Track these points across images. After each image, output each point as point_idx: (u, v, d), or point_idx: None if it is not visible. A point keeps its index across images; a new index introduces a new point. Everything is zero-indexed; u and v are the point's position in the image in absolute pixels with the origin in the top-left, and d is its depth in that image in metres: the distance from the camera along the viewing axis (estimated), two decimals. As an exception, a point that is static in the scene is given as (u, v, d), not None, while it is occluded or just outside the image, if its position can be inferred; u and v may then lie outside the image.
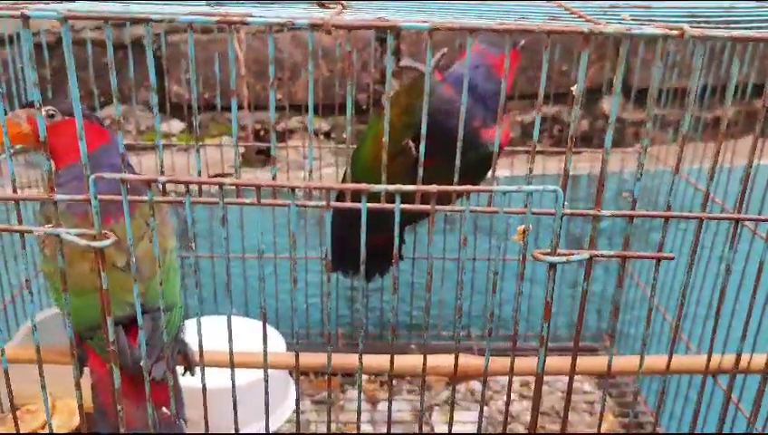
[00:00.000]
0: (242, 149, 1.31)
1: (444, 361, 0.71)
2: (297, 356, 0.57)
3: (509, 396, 0.60)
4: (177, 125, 1.31)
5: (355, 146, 1.08)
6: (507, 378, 0.57)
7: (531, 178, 0.51)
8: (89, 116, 0.72)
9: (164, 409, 0.64)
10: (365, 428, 1.04)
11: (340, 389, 1.14)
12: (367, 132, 0.92)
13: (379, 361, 0.71)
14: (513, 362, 0.57)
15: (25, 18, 0.44)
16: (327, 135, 1.35)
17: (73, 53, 0.45)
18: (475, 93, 0.75)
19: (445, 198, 0.50)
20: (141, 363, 0.57)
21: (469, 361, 0.72)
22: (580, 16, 0.64)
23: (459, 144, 0.51)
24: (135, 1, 0.60)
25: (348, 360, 0.71)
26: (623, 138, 1.34)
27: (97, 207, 0.47)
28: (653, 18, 0.64)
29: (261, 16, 0.45)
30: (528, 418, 1.09)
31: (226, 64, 1.20)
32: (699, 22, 0.63)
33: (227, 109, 1.27)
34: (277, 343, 1.02)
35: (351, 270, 1.04)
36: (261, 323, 1.07)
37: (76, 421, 0.97)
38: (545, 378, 0.57)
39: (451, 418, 0.60)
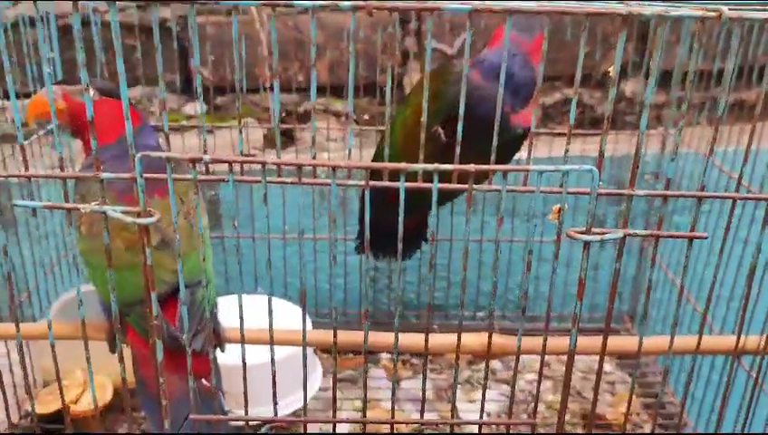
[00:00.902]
0: (264, 131, 1.32)
1: (475, 339, 0.72)
2: (335, 334, 0.58)
3: (540, 375, 0.61)
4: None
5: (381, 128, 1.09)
6: (529, 357, 0.59)
7: (567, 158, 0.51)
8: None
9: (203, 380, 0.65)
10: (388, 405, 1.06)
11: (365, 367, 1.15)
12: (395, 118, 0.93)
13: (412, 339, 0.72)
14: (545, 342, 0.58)
15: (75, 0, 0.45)
16: (348, 116, 1.36)
17: (99, 35, 0.46)
18: (508, 81, 0.75)
19: (478, 178, 0.50)
20: (183, 337, 0.59)
21: (500, 340, 0.73)
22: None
23: (496, 127, 0.52)
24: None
25: (382, 338, 0.72)
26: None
27: (142, 185, 0.48)
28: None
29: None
30: (550, 397, 1.11)
31: (250, 46, 1.21)
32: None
33: (251, 91, 1.28)
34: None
35: (381, 252, 1.05)
36: (286, 302, 1.08)
37: (108, 396, 0.99)
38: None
39: (483, 397, 0.61)
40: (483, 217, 1.22)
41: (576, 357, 0.59)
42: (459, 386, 1.15)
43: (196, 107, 1.33)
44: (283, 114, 1.32)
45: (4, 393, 0.64)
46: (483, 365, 1.18)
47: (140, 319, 0.68)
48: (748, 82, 1.24)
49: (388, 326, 0.68)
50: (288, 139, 1.34)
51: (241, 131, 0.54)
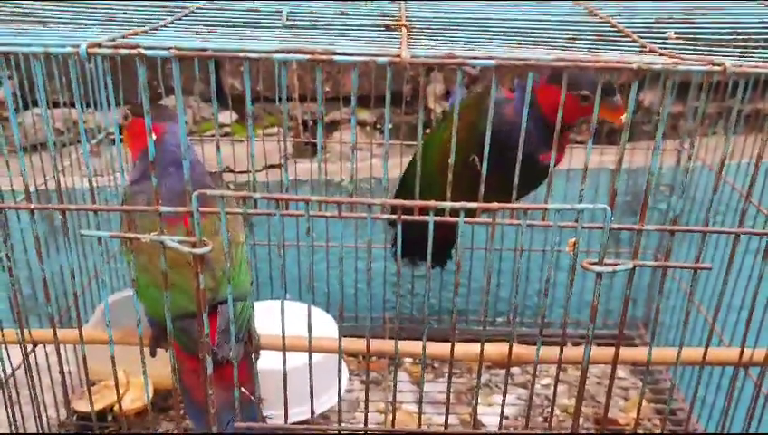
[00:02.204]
0: (291, 142, 1.38)
1: (495, 349, 0.76)
2: (368, 342, 0.63)
3: (556, 384, 0.66)
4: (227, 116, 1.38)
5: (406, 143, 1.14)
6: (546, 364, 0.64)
7: (582, 196, 0.56)
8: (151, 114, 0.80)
9: (243, 389, 0.71)
10: (410, 408, 1.11)
11: (387, 370, 1.21)
12: (433, 136, 0.96)
13: (436, 348, 0.77)
14: (561, 354, 0.63)
15: (142, 57, 0.50)
16: (374, 126, 1.41)
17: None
18: (539, 122, 0.79)
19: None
20: (225, 351, 0.65)
21: (518, 350, 0.77)
22: (626, 35, 0.69)
23: (518, 163, 0.57)
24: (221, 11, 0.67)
25: (408, 347, 0.77)
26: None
27: (198, 219, 0.54)
28: (698, 37, 0.68)
29: (345, 54, 0.50)
30: (565, 401, 1.16)
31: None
32: (743, 42, 0.67)
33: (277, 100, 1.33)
34: (332, 327, 1.09)
35: (417, 258, 1.10)
36: (313, 307, 1.13)
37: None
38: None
39: (503, 403, 0.67)
40: (502, 227, 1.26)
41: (590, 364, 0.65)
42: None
43: (227, 116, 1.39)
44: (310, 123, 1.37)
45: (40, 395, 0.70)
46: (501, 370, 1.23)
47: (181, 333, 0.74)
48: (764, 91, 1.27)
49: (410, 331, 0.73)
50: (315, 147, 1.39)
51: (286, 169, 0.59)
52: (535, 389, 1.19)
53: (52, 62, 1.01)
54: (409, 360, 1.24)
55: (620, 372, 1.24)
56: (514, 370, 1.23)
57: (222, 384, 0.71)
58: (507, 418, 1.11)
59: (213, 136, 1.34)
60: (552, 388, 1.08)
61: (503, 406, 0.69)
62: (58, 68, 1.02)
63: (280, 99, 1.18)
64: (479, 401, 1.17)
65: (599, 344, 0.79)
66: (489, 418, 1.10)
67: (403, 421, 1.04)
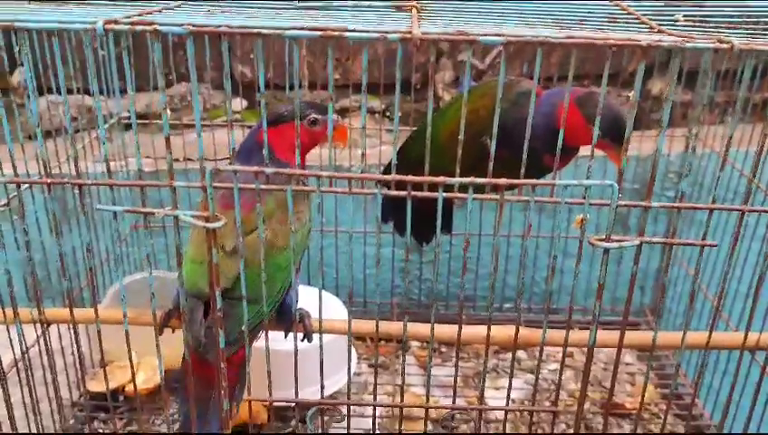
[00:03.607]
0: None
1: (503, 332, 0.77)
2: (377, 325, 0.64)
3: (562, 367, 0.67)
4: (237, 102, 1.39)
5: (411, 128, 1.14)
6: (553, 347, 0.64)
7: (590, 174, 0.56)
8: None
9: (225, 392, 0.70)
10: (418, 390, 1.12)
11: (395, 354, 1.22)
12: (447, 110, 0.93)
13: (444, 331, 0.77)
14: (567, 337, 0.64)
15: (156, 33, 0.51)
16: (383, 114, 1.41)
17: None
18: (550, 128, 0.78)
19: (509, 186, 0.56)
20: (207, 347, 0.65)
21: (525, 332, 0.78)
22: (636, 18, 0.69)
23: (524, 160, 0.58)
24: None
25: (416, 329, 0.78)
26: (670, 118, 1.38)
27: (212, 194, 0.55)
28: (706, 19, 0.69)
29: (357, 30, 0.51)
30: (572, 386, 1.16)
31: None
32: (753, 23, 0.68)
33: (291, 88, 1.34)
34: (341, 311, 1.10)
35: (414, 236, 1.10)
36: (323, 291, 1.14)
37: (159, 377, 1.07)
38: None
39: (510, 386, 0.67)
40: (510, 213, 1.27)
41: (598, 349, 0.65)
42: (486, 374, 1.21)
43: (237, 103, 1.40)
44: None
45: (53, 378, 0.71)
46: (508, 354, 1.23)
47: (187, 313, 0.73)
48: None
49: (418, 316, 0.73)
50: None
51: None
52: (543, 373, 1.20)
53: (65, 45, 1.02)
54: (417, 344, 1.25)
55: (628, 357, 1.24)
56: (522, 355, 1.24)
57: (204, 378, 0.72)
58: (514, 401, 1.12)
59: (225, 122, 1.35)
60: (555, 372, 1.09)
61: (509, 389, 0.69)
62: (71, 52, 1.03)
63: (290, 86, 1.19)
64: (487, 384, 1.18)
65: (606, 330, 0.80)
66: (496, 401, 1.11)
67: (411, 403, 1.05)
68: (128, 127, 1.27)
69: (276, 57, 1.31)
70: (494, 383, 1.17)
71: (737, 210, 0.58)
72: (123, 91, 1.19)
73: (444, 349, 1.26)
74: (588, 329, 0.62)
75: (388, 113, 1.42)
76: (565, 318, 0.66)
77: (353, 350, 1.14)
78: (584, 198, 0.56)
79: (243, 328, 0.65)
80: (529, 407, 0.70)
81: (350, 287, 0.71)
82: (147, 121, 1.31)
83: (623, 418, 1.10)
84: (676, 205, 0.57)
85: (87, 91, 1.12)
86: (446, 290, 1.33)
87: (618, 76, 1.33)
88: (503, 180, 0.54)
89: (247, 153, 0.77)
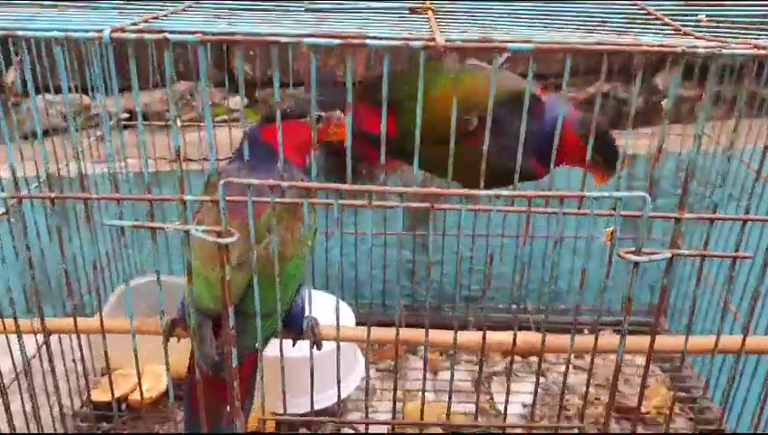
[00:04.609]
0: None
1: (507, 337, 0.75)
2: (398, 332, 0.62)
3: (567, 371, 0.65)
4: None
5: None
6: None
7: (619, 185, 0.54)
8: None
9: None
10: (429, 396, 1.10)
11: (403, 358, 1.20)
12: (432, 79, 0.84)
13: (443, 336, 0.75)
14: (572, 341, 0.62)
15: (167, 41, 0.48)
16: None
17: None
18: (545, 136, 0.75)
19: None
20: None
21: (529, 337, 0.76)
22: (657, 18, 0.67)
23: (518, 167, 0.55)
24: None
25: (415, 335, 0.75)
26: (680, 114, 1.36)
27: (224, 209, 0.52)
28: (728, 19, 0.66)
29: (377, 37, 0.49)
30: (583, 389, 1.14)
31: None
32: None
33: (295, 85, 1.31)
34: (348, 314, 1.08)
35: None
36: (329, 294, 1.12)
37: (163, 385, 1.04)
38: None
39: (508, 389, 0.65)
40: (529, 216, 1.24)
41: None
42: (495, 377, 1.19)
43: (238, 101, 1.37)
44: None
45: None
46: (518, 357, 1.21)
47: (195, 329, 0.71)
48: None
49: (429, 318, 0.71)
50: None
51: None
52: (554, 377, 1.18)
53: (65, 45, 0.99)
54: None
55: (638, 359, 1.22)
56: (534, 358, 1.22)
57: (213, 392, 0.70)
58: (525, 405, 1.10)
59: (225, 121, 1.32)
60: (567, 377, 1.08)
61: (506, 403, 0.67)
62: (69, 53, 1.00)
63: (294, 84, 1.16)
64: (497, 388, 1.16)
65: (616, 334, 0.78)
66: (509, 406, 1.09)
67: (409, 418, 1.02)
68: (126, 127, 1.24)
69: (279, 54, 1.28)
70: (505, 386, 1.14)
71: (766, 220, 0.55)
72: (122, 91, 1.16)
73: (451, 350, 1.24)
74: (597, 330, 0.60)
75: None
76: (570, 318, 0.64)
77: (360, 355, 1.12)
78: (614, 209, 0.53)
79: (257, 345, 0.63)
80: (554, 424, 0.68)
81: (349, 285, 0.69)
82: (147, 123, 1.28)
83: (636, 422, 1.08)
84: (710, 216, 0.55)
85: (84, 90, 1.09)
86: (456, 293, 1.31)
87: (622, 71, 1.31)
88: (530, 192, 0.52)
89: (253, 153, 0.74)
